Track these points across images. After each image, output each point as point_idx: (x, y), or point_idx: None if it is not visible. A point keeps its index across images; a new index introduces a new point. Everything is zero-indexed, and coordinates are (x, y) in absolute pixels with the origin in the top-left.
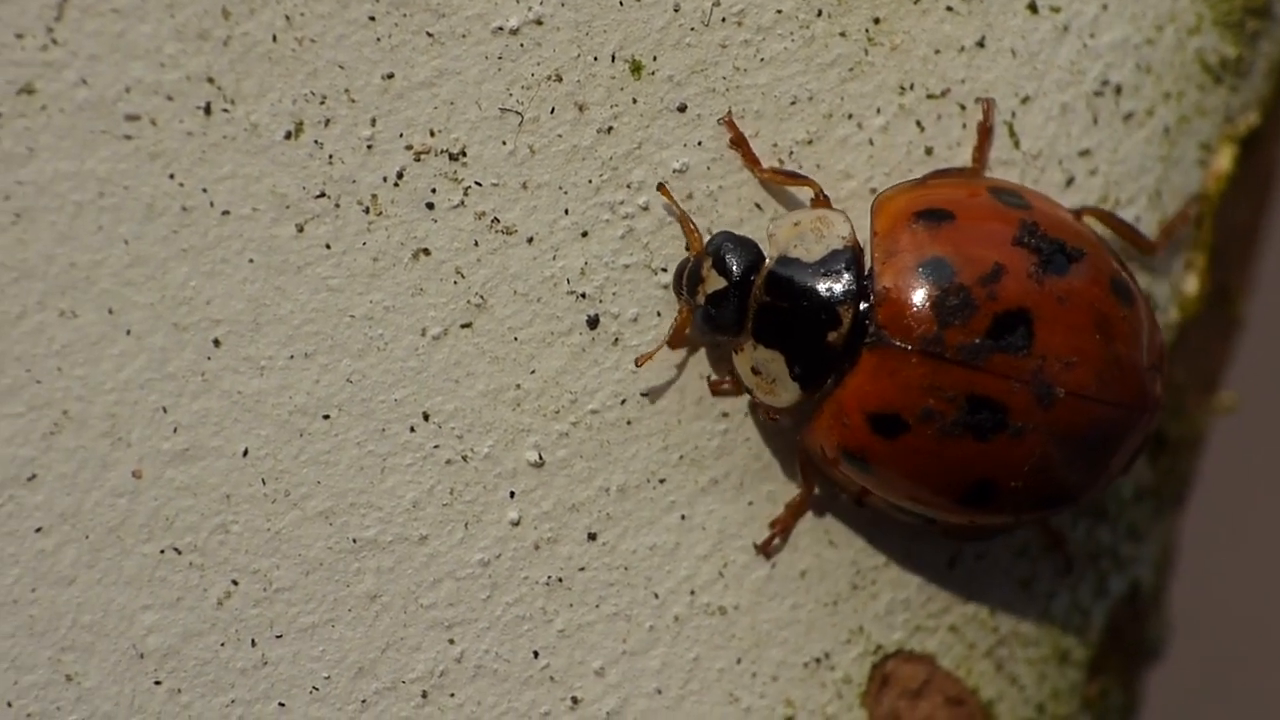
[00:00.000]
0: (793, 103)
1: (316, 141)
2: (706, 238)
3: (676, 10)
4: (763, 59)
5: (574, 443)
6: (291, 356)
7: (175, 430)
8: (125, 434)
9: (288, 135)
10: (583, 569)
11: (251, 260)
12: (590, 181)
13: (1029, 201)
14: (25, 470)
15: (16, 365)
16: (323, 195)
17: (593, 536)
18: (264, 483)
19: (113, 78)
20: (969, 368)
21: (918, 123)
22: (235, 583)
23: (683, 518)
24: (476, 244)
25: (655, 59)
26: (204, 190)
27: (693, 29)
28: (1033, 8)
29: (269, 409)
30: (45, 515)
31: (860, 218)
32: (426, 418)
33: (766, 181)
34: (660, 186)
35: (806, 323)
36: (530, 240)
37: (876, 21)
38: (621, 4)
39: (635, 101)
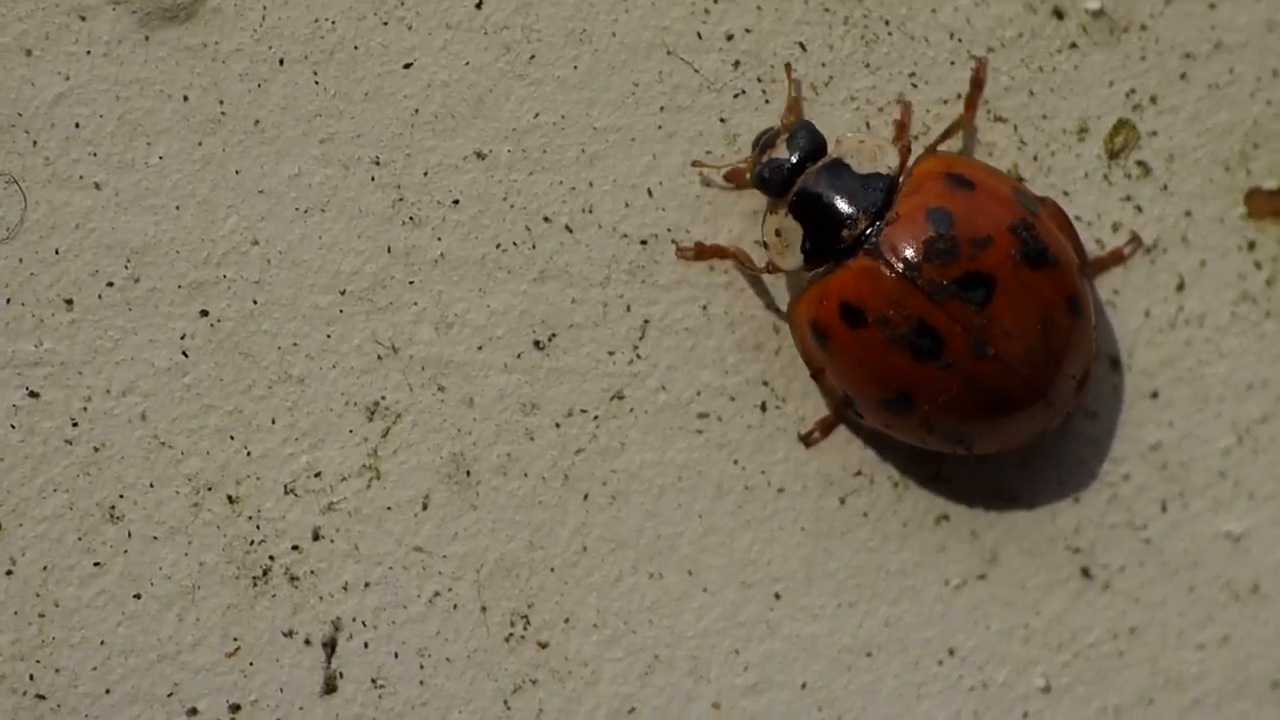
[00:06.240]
0: (1249, 387)
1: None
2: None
3: (1147, 315)
4: (1221, 353)
5: (1075, 671)
6: (839, 605)
7: (746, 668)
8: (705, 672)
9: None
10: None
11: (803, 528)
12: (1080, 457)
13: (1039, 212)
14: (626, 704)
15: (616, 619)
16: (859, 474)
17: None
18: (820, 709)
19: (686, 384)
20: (930, 299)
21: None
22: None
23: None
24: (987, 510)
25: (1131, 355)
26: (763, 472)
27: (1160, 330)
28: None
29: (822, 648)
30: None
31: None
32: (952, 652)
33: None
34: (786, 66)
35: (832, 214)
36: (1031, 506)
37: None
38: (1100, 312)
39: (1115, 391)
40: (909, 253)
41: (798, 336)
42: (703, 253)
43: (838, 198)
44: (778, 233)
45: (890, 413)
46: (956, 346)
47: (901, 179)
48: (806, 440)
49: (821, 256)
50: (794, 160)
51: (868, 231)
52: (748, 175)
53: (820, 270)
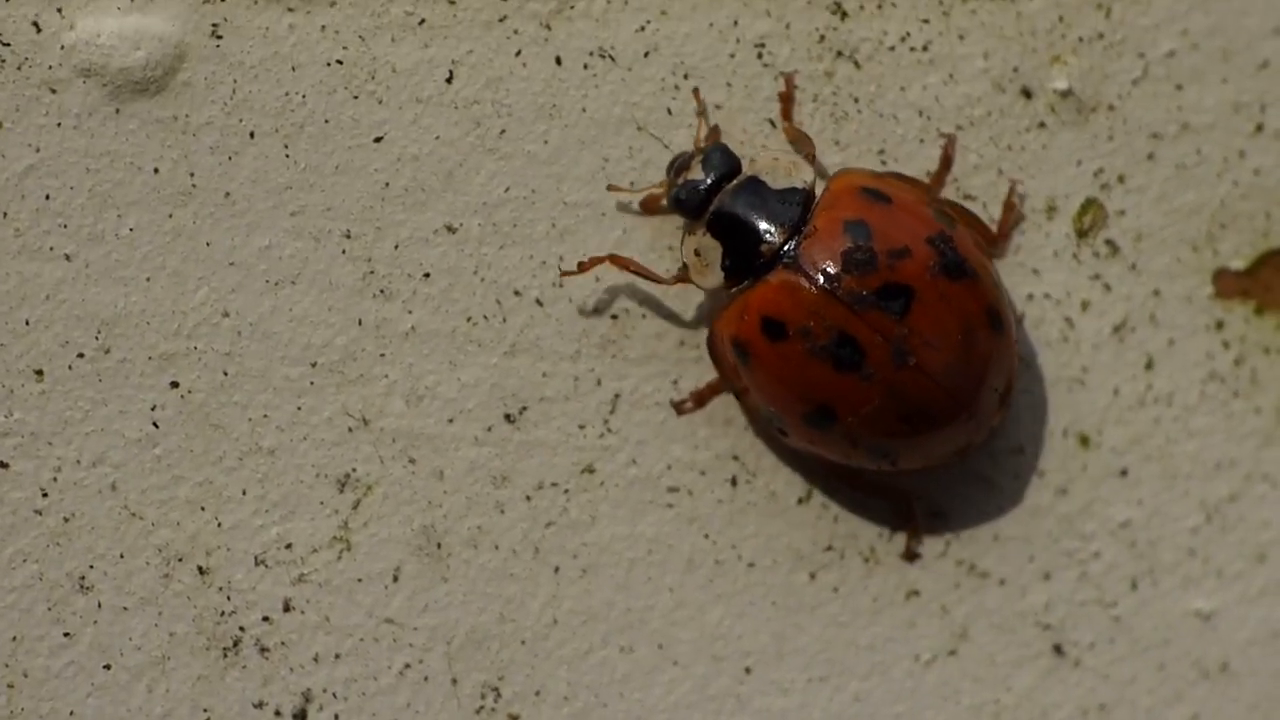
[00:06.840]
0: (1217, 466)
1: (823, 505)
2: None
3: (1116, 393)
4: (1190, 431)
5: None
6: (809, 680)
7: None
8: None
9: (799, 501)
10: None
11: (774, 603)
12: (1050, 534)
13: (957, 225)
14: None
15: (587, 692)
16: (830, 548)
17: None
18: None
19: (657, 458)
20: (851, 310)
21: None
22: None
23: None
24: (958, 585)
25: (1100, 433)
26: (733, 547)
27: (1129, 408)
28: None
29: None
30: None
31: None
32: None
33: (785, 131)
34: (694, 91)
35: (750, 230)
36: (1002, 582)
37: None
38: (1070, 389)
39: (1085, 468)
40: (828, 264)
41: (719, 356)
42: (585, 268)
43: (754, 214)
44: (696, 252)
45: (813, 427)
46: (877, 356)
47: (818, 194)
48: (679, 409)
49: (741, 273)
50: (709, 180)
51: (786, 245)
52: (663, 200)
53: (740, 287)
